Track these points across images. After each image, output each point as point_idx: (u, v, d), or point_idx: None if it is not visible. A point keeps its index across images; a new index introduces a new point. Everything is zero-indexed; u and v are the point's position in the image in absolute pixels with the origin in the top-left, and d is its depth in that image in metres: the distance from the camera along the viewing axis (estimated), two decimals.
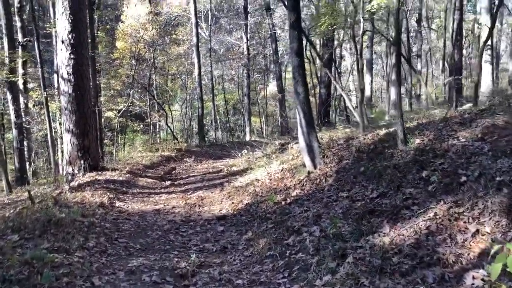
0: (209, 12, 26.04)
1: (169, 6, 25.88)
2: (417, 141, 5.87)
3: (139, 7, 23.71)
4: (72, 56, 9.95)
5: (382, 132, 7.26)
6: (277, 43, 24.54)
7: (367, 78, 22.45)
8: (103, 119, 22.97)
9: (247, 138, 23.90)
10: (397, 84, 5.99)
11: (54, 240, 5.02)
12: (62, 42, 9.96)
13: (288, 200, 6.54)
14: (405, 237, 4.09)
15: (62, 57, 10.00)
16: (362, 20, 8.90)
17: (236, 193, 8.13)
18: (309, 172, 7.23)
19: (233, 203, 7.54)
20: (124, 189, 9.29)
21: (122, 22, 24.11)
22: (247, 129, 24.53)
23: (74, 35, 9.91)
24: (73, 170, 10.26)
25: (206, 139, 22.55)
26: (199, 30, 21.01)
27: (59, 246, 4.86)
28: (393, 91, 25.03)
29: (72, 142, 10.21)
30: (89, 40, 12.81)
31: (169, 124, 22.00)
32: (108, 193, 8.28)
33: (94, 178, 9.66)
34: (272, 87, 30.20)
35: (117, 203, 7.93)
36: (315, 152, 7.32)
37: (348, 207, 5.32)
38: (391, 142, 6.29)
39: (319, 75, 18.12)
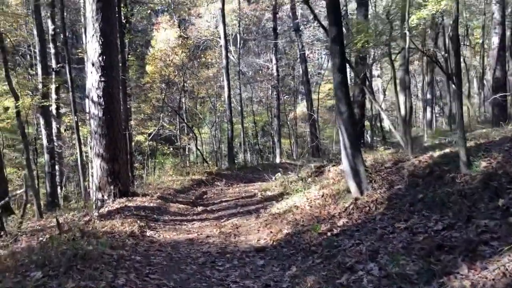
0: (237, 35, 25.85)
1: (198, 30, 25.80)
2: (483, 164, 5.15)
3: (169, 31, 23.67)
4: (103, 79, 9.63)
5: (436, 154, 6.55)
6: (307, 63, 24.06)
7: (401, 98, 21.64)
8: (133, 143, 22.83)
9: (277, 160, 23.27)
10: (458, 99, 5.32)
11: (80, 278, 4.48)
12: (93, 64, 9.67)
13: (335, 231, 5.86)
14: (490, 281, 3.37)
15: (92, 79, 9.70)
16: (407, 33, 8.25)
17: (273, 221, 7.49)
18: (356, 199, 6.55)
19: (271, 232, 6.90)
20: (155, 216, 8.77)
21: (152, 47, 24.14)
22: (277, 151, 23.93)
23: (104, 57, 9.62)
24: (102, 196, 9.84)
25: (235, 161, 22.04)
26: (224, 60, 20.70)
27: (85, 285, 4.32)
28: (428, 110, 24.12)
29: (102, 167, 9.82)
30: (120, 64, 12.57)
31: (198, 147, 21.61)
32: (138, 221, 7.77)
33: (124, 204, 9.20)
34: (301, 108, 29.62)
35: (148, 232, 7.39)
36: (361, 177, 6.65)
37: (409, 240, 4.61)
38: (451, 165, 5.57)
39: (351, 94, 17.51)
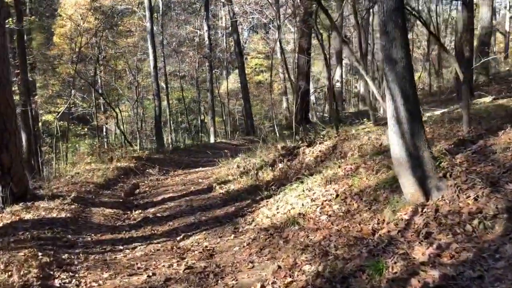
0: (159, 0, 21.81)
1: None
2: None
3: None
4: None
5: None
6: (239, 33, 20.83)
7: (337, 71, 19.27)
8: (40, 123, 18.46)
9: (212, 139, 20.01)
10: None
11: None
12: None
13: (425, 276, 2.96)
14: None
15: None
16: None
17: (271, 244, 4.41)
18: (422, 206, 3.69)
19: (279, 268, 3.80)
20: (69, 236, 5.26)
21: (59, 15, 19.59)
22: (211, 129, 20.55)
23: None
24: None
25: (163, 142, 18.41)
26: (148, 23, 16.87)
27: None
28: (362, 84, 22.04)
29: None
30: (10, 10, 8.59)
31: (120, 127, 17.64)
32: (39, 254, 4.28)
33: (18, 217, 5.61)
34: (231, 84, 26.35)
35: (58, 279, 3.95)
36: (426, 168, 3.80)
37: None
38: None
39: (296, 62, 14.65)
